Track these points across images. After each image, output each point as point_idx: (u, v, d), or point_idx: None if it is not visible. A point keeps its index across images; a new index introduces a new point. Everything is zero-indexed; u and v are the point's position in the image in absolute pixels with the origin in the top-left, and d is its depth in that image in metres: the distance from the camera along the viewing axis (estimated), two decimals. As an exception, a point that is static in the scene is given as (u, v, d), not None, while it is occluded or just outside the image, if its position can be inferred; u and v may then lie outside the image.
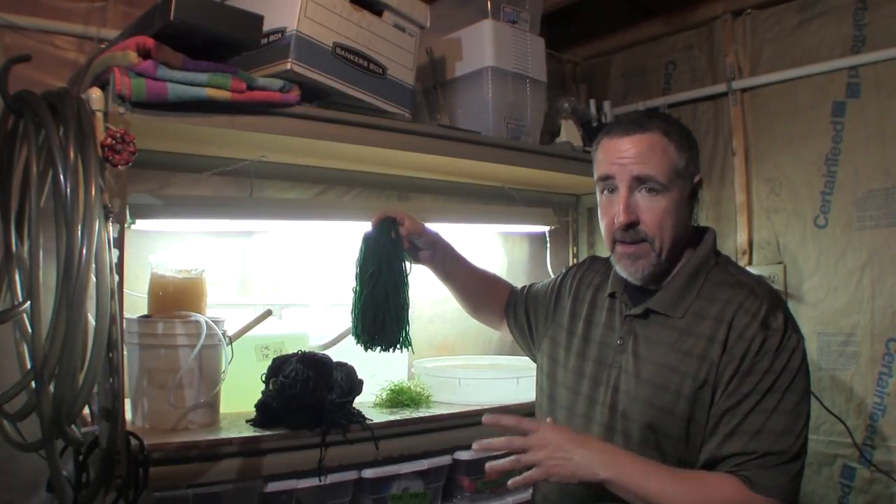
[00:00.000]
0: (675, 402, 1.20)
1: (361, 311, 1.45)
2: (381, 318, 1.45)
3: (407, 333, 1.49)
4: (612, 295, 1.36)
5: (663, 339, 1.25)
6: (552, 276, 2.36)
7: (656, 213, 1.22)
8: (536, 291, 1.58)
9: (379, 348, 1.47)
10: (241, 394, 1.54)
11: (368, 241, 1.48)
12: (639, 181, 1.22)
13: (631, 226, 1.23)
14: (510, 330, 1.63)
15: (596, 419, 1.30)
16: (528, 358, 2.15)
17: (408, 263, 1.50)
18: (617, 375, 1.28)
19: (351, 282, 1.50)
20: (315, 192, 2.03)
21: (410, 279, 1.50)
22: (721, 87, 2.33)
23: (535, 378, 1.85)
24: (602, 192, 1.29)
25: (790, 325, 1.19)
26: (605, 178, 1.26)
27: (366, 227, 1.53)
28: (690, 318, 1.23)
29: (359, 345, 1.47)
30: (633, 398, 1.25)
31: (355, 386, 1.56)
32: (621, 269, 1.29)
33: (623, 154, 1.23)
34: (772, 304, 1.20)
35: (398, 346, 1.48)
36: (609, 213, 1.26)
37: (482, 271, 1.69)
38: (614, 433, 1.26)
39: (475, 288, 1.66)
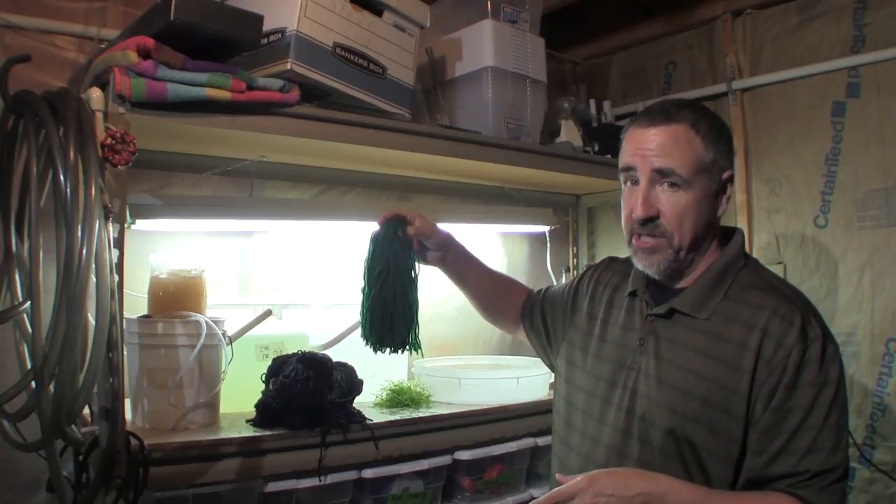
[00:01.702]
0: (701, 410, 1.15)
1: (370, 311, 1.43)
2: (390, 318, 1.43)
3: (416, 334, 1.47)
4: (632, 294, 1.31)
5: (688, 342, 1.20)
6: (552, 276, 2.38)
7: (677, 208, 1.18)
8: (553, 295, 1.54)
9: (388, 350, 1.45)
10: (241, 394, 1.54)
11: (376, 240, 1.46)
12: (660, 174, 1.18)
13: (649, 220, 1.19)
14: (526, 335, 1.58)
15: (609, 422, 1.25)
16: (527, 358, 2.16)
17: (417, 263, 1.48)
18: (636, 378, 1.23)
19: (356, 282, 1.49)
20: (315, 192, 2.03)
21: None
22: (721, 87, 2.33)
23: (535, 378, 1.86)
24: (625, 182, 1.25)
25: (827, 333, 1.15)
26: (627, 169, 1.23)
27: (369, 226, 1.52)
28: (717, 321, 1.18)
29: (368, 346, 1.45)
30: (655, 403, 1.19)
31: (355, 386, 1.55)
32: (637, 262, 1.26)
33: (645, 145, 1.19)
34: (807, 310, 1.16)
35: (407, 347, 1.47)
36: (629, 205, 1.23)
37: (497, 274, 1.66)
38: (630, 438, 1.21)
39: (489, 291, 1.61)
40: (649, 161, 1.19)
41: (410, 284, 1.46)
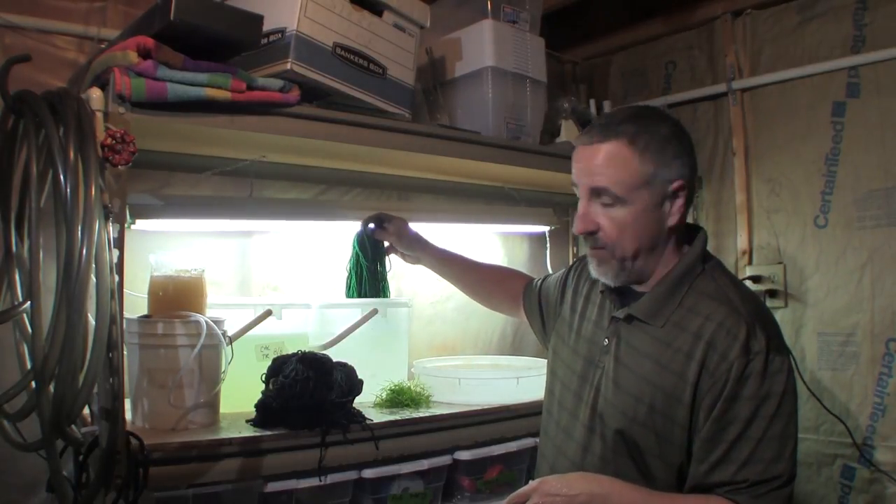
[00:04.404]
0: (647, 415, 1.20)
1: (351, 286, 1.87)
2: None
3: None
4: (603, 291, 1.36)
5: (643, 348, 1.24)
6: (552, 276, 2.38)
7: (613, 224, 1.21)
8: (549, 284, 1.61)
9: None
10: (241, 394, 1.54)
11: (354, 239, 1.86)
12: (596, 192, 1.21)
13: (590, 234, 1.23)
14: (527, 319, 1.67)
15: (580, 418, 1.30)
16: (527, 358, 2.16)
17: (383, 253, 1.85)
18: (600, 376, 1.28)
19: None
20: (315, 192, 2.02)
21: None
22: (721, 87, 2.33)
23: (535, 378, 1.87)
24: (577, 193, 1.29)
25: (773, 345, 1.16)
26: (574, 184, 1.27)
27: None
28: (671, 329, 1.21)
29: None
30: (610, 403, 1.25)
31: (355, 386, 1.55)
32: (591, 270, 1.30)
33: (584, 163, 1.22)
34: (754, 323, 1.16)
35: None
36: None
37: (484, 265, 1.82)
38: (593, 434, 1.27)
39: (477, 281, 1.81)
40: (586, 179, 1.21)
41: (374, 274, 1.84)
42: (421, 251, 1.79)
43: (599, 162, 1.20)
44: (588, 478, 1.20)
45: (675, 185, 1.20)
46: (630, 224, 1.20)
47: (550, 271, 2.37)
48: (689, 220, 2.24)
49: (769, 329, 1.18)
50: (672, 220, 1.22)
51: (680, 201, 1.22)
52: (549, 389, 1.43)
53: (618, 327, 1.28)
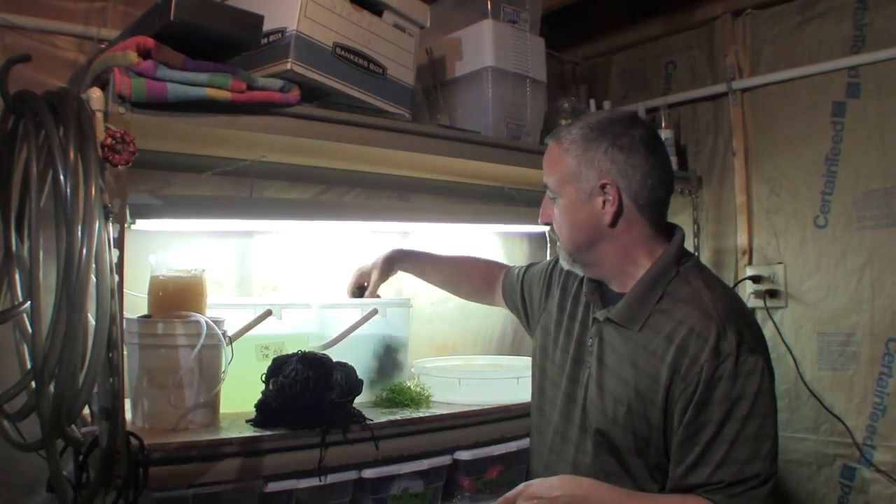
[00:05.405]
0: (627, 417, 1.22)
1: None
2: None
3: None
4: (587, 292, 1.38)
5: (622, 350, 1.26)
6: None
7: (555, 216, 1.33)
8: (532, 275, 1.62)
9: None
10: (241, 394, 1.54)
11: None
12: (546, 187, 1.34)
13: (548, 225, 1.36)
14: (506, 305, 1.71)
15: (574, 420, 1.32)
16: (527, 358, 2.16)
17: None
18: (587, 376, 1.31)
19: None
20: (315, 192, 2.02)
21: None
22: (721, 87, 2.33)
23: (534, 378, 1.87)
24: None
25: (745, 346, 1.16)
26: None
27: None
28: (647, 332, 1.23)
29: None
30: (594, 404, 1.27)
31: (355, 386, 1.55)
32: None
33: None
34: (724, 325, 1.17)
35: None
36: None
37: (460, 263, 1.86)
38: (585, 435, 1.29)
39: (454, 281, 1.84)
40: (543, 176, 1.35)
41: None
42: (396, 269, 1.85)
43: (544, 161, 1.34)
44: (569, 480, 1.23)
45: (601, 182, 1.25)
46: (564, 216, 1.30)
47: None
48: (691, 220, 2.24)
49: (743, 330, 1.18)
50: (606, 219, 1.25)
51: (609, 198, 1.25)
52: (539, 387, 1.45)
53: (600, 328, 1.30)
